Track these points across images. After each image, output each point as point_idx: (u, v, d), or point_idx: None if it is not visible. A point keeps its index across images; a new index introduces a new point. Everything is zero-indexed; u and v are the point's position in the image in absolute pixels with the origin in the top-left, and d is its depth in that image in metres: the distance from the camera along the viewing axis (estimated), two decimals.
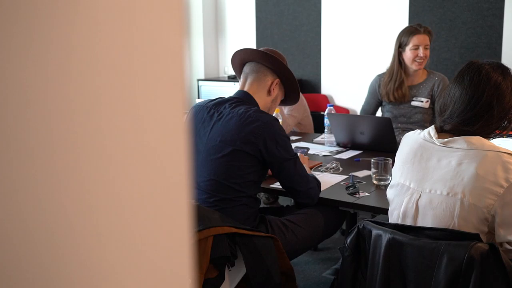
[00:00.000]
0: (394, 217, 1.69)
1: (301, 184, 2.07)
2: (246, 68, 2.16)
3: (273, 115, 2.19)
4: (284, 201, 3.53)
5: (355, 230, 1.62)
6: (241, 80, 2.18)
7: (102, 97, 0.40)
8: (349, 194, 2.15)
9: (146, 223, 0.43)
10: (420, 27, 3.20)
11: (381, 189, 2.18)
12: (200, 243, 1.73)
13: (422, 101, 3.25)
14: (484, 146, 1.52)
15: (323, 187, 2.20)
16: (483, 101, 1.55)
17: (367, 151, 2.87)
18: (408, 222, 1.63)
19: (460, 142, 1.55)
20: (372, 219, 1.65)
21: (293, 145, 2.84)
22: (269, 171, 2.20)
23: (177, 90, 0.42)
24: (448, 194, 1.53)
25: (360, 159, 2.73)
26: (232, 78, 5.15)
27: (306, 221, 2.16)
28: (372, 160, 2.26)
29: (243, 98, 2.10)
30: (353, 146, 2.96)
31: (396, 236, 1.48)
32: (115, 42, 0.40)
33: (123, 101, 0.41)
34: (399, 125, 3.32)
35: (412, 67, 3.21)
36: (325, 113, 3.13)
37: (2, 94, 0.37)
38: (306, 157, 2.57)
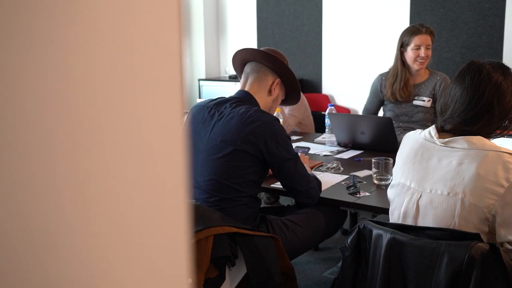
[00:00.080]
0: (394, 217, 1.69)
1: (302, 184, 2.07)
2: (247, 68, 2.16)
3: (274, 114, 2.19)
4: (285, 201, 3.53)
5: (356, 230, 1.62)
6: (242, 80, 2.18)
7: (99, 96, 0.40)
8: (350, 194, 2.15)
9: (143, 223, 0.43)
10: (422, 27, 3.20)
11: (382, 189, 2.18)
12: (201, 243, 1.73)
13: (424, 100, 3.26)
14: (485, 146, 1.52)
15: (323, 187, 2.20)
16: (483, 101, 1.55)
17: (368, 151, 2.87)
18: (409, 222, 1.63)
19: (460, 142, 1.55)
20: (373, 219, 1.65)
21: (294, 144, 2.84)
22: (270, 171, 2.20)
23: (175, 90, 0.42)
24: (448, 194, 1.53)
25: (361, 159, 2.73)
26: (233, 78, 5.15)
27: (306, 221, 2.16)
28: (373, 160, 2.26)
29: (243, 98, 2.10)
30: (353, 146, 2.96)
31: (397, 236, 1.48)
32: (113, 42, 0.40)
33: (120, 101, 0.41)
34: (400, 124, 3.32)
35: (414, 66, 3.21)
36: (326, 113, 3.13)
37: (1, 94, 0.37)
38: (306, 157, 2.57)
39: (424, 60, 3.18)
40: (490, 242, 1.43)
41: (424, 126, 2.64)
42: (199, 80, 5.36)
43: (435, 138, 1.61)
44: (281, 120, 2.94)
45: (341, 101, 4.87)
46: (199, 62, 5.45)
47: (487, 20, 4.14)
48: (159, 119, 0.42)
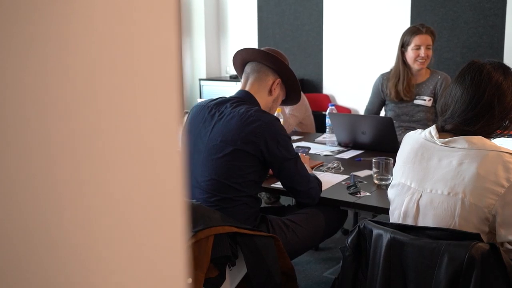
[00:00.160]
0: (395, 216, 1.69)
1: (302, 184, 2.07)
2: (248, 68, 2.16)
3: (275, 114, 2.19)
4: (285, 201, 3.53)
5: (356, 230, 1.62)
6: (242, 79, 2.18)
7: (96, 96, 0.40)
8: (350, 194, 2.15)
9: (141, 223, 0.43)
10: (423, 27, 3.21)
11: (382, 189, 2.18)
12: (201, 243, 1.73)
13: (425, 100, 3.26)
14: (485, 146, 1.52)
15: (324, 187, 2.20)
16: (484, 101, 1.55)
17: (368, 150, 2.87)
18: (409, 222, 1.63)
19: (461, 142, 1.55)
20: (373, 219, 1.65)
21: (295, 144, 2.84)
22: (270, 171, 2.21)
23: (173, 89, 0.42)
24: (449, 194, 1.53)
25: (361, 158, 2.73)
26: (233, 78, 5.15)
27: (307, 220, 2.16)
28: (373, 160, 2.26)
29: (244, 97, 2.10)
30: (354, 146, 2.96)
31: (397, 236, 1.48)
32: (109, 42, 0.40)
33: (117, 101, 0.41)
34: (402, 123, 3.33)
35: (414, 66, 3.22)
36: (327, 112, 3.13)
37: (1, 94, 0.37)
38: (307, 156, 2.57)
39: (424, 60, 3.18)
40: (490, 242, 1.43)
41: (425, 126, 2.64)
42: (200, 80, 5.37)
43: (435, 138, 1.61)
44: (281, 120, 2.94)
45: (341, 101, 4.87)
46: (200, 62, 5.45)
47: (488, 20, 4.14)
48: (156, 119, 0.42)
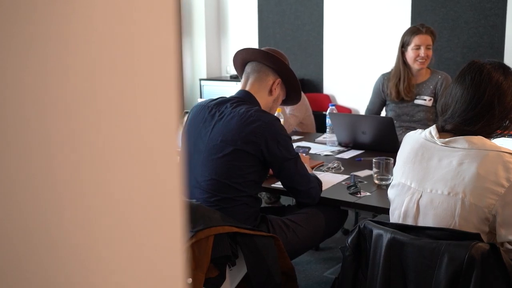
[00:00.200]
0: (395, 216, 1.69)
1: (302, 184, 2.07)
2: (248, 68, 2.17)
3: (275, 114, 2.19)
4: (286, 201, 3.53)
5: (356, 230, 1.62)
6: (242, 79, 2.18)
7: (95, 96, 0.40)
8: (351, 193, 2.15)
9: (140, 223, 0.43)
10: (423, 27, 3.21)
11: (383, 189, 2.18)
12: (201, 243, 1.73)
13: (425, 99, 3.26)
14: (485, 145, 1.52)
15: (324, 187, 2.20)
16: (484, 101, 1.55)
17: (369, 150, 2.87)
18: (409, 221, 1.63)
19: (461, 142, 1.55)
20: (373, 219, 1.65)
21: (295, 144, 2.84)
22: (271, 171, 2.21)
23: (172, 89, 0.42)
24: (449, 193, 1.53)
25: (362, 158, 2.73)
26: (234, 78, 5.15)
27: (307, 220, 2.16)
28: (374, 160, 2.26)
29: (244, 97, 2.10)
30: (354, 146, 2.96)
31: (397, 236, 1.49)
32: (109, 42, 0.40)
33: (116, 100, 0.41)
34: (402, 123, 3.33)
35: (414, 66, 3.22)
36: (327, 112, 3.13)
37: (1, 94, 0.37)
38: (307, 156, 2.57)
39: (424, 60, 3.19)
40: (490, 242, 1.43)
41: (425, 126, 2.64)
42: (200, 79, 5.37)
43: (435, 138, 1.61)
44: (282, 120, 2.94)
45: (342, 101, 4.87)
46: (200, 62, 5.45)
47: (488, 20, 4.14)
48: (155, 119, 0.42)
